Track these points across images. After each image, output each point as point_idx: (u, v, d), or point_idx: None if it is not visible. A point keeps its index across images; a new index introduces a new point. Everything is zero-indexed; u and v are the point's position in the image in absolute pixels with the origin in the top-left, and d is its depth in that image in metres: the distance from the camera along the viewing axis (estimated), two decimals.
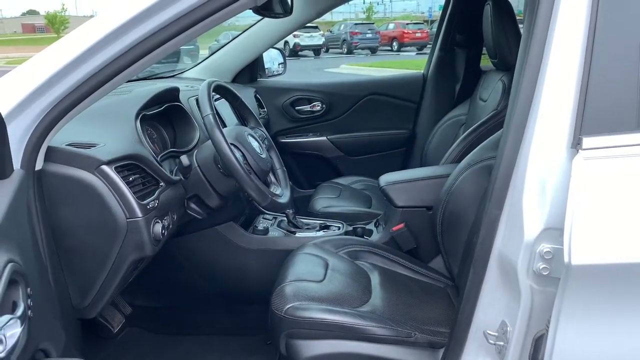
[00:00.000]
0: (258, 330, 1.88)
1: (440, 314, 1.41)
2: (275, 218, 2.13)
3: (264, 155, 1.70)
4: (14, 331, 0.71)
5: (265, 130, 1.93)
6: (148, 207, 1.32)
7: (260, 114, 2.67)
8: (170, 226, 1.46)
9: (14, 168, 0.99)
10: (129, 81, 2.22)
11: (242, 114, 1.94)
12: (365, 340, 1.33)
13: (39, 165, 1.17)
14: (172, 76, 2.67)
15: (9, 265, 0.74)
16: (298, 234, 2.00)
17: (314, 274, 1.51)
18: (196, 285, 2.01)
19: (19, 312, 0.73)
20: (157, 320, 2.02)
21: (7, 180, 0.92)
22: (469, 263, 1.12)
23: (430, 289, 1.58)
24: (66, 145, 1.25)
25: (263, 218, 2.12)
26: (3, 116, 1.06)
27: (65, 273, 1.27)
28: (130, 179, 1.32)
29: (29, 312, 0.78)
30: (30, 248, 0.91)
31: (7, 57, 22.78)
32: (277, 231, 2.02)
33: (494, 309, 1.09)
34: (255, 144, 1.69)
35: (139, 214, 1.28)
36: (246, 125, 1.92)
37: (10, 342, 0.70)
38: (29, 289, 0.79)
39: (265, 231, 1.99)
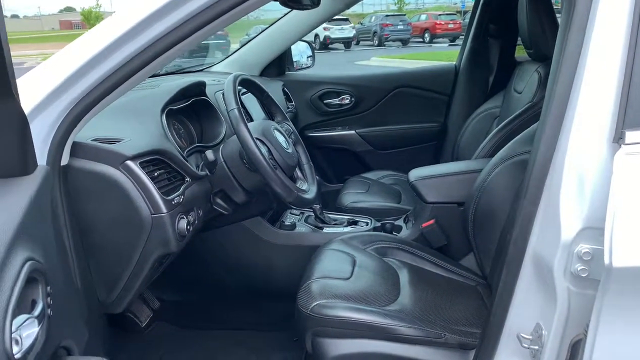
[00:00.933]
0: (285, 327, 1.86)
1: (472, 314, 1.37)
2: (303, 213, 2.10)
3: (290, 150, 1.67)
4: (30, 331, 0.71)
5: (292, 125, 1.90)
6: (173, 202, 1.31)
7: (288, 107, 2.65)
8: (196, 222, 1.45)
9: (38, 164, 0.99)
10: (155, 75, 2.23)
11: (269, 108, 1.91)
12: (393, 340, 1.30)
13: (64, 160, 1.17)
14: (200, 70, 2.67)
15: (28, 263, 0.73)
16: (325, 230, 1.97)
17: (340, 271, 1.48)
18: (223, 280, 2.01)
19: (37, 311, 0.73)
20: (184, 315, 2.02)
21: (30, 177, 0.91)
22: (502, 262, 1.08)
23: (461, 287, 1.53)
24: (91, 140, 1.25)
25: (290, 213, 2.10)
26: (27, 112, 1.07)
27: (91, 268, 1.27)
28: (156, 174, 1.32)
29: (49, 310, 0.77)
30: (53, 245, 0.91)
31: (43, 53, 23.36)
32: (305, 226, 2.00)
33: (528, 311, 1.04)
34: (281, 139, 1.67)
35: (164, 209, 1.27)
36: (273, 120, 1.90)
37: (27, 343, 0.70)
38: (48, 287, 0.78)
39: (293, 226, 1.97)
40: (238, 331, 1.93)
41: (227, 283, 2.01)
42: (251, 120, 1.92)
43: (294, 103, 2.75)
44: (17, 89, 0.84)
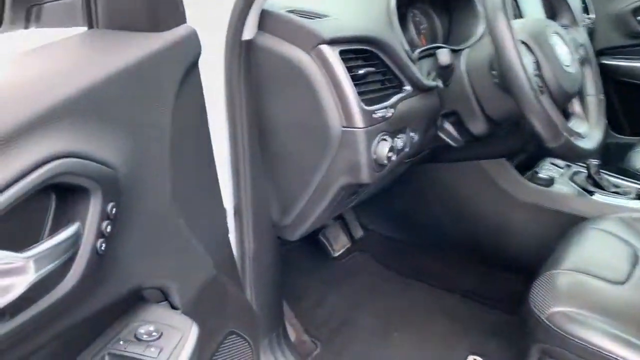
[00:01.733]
0: (507, 308, 1.43)
1: None
2: (569, 166, 1.57)
3: (572, 70, 1.12)
4: (13, 280, 0.43)
5: (584, 34, 1.30)
6: (375, 115, 0.95)
7: (583, 21, 1.99)
8: (406, 149, 1.05)
9: (186, 22, 0.70)
10: None
11: (554, 5, 1.33)
12: None
13: (249, 34, 0.90)
14: None
15: (55, 162, 0.44)
16: (597, 197, 1.43)
17: (611, 267, 1.01)
18: (443, 228, 1.63)
19: (34, 250, 0.43)
20: (389, 254, 1.71)
21: (156, 35, 0.63)
22: None
23: None
24: (286, 11, 0.94)
25: (551, 163, 1.57)
26: None
27: (265, 179, 1.02)
28: (361, 71, 0.95)
29: (99, 243, 0.49)
30: (160, 143, 0.62)
31: None
32: (568, 186, 1.47)
33: None
34: (561, 50, 1.11)
35: (360, 123, 0.92)
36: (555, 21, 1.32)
37: (9, 296, 0.43)
38: (111, 206, 0.49)
39: (550, 182, 1.45)
40: (445, 292, 1.56)
41: (447, 233, 1.63)
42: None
43: (593, 16, 2.09)
44: None
